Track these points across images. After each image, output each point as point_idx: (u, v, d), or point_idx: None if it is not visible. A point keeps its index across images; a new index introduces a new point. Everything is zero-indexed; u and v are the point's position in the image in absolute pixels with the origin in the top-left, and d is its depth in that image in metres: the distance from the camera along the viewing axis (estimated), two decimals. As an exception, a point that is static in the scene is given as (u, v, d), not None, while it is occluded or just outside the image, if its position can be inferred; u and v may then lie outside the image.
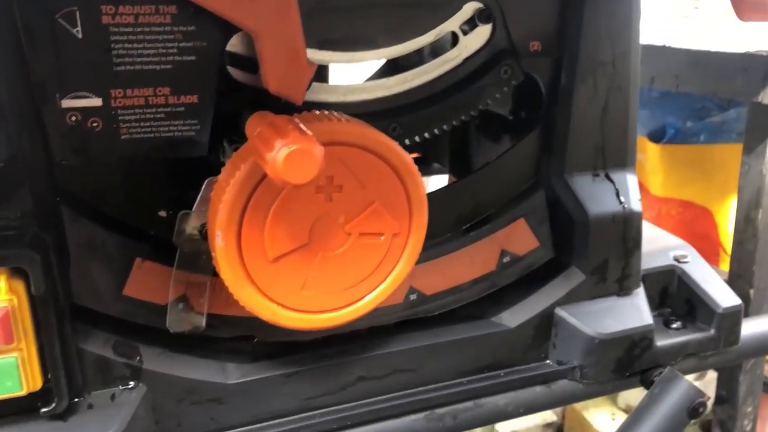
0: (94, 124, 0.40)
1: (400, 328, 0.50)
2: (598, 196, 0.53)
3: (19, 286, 0.36)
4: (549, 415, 1.52)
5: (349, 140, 0.37)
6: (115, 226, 0.43)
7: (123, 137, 0.41)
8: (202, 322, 0.45)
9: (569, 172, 0.52)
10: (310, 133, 0.33)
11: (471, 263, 0.52)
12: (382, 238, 0.40)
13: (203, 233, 0.44)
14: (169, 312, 0.44)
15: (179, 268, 0.44)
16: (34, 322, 0.37)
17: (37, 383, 0.37)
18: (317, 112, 0.38)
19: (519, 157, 0.53)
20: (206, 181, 0.43)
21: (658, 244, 0.61)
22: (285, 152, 0.31)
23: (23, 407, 0.38)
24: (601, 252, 0.53)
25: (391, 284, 0.41)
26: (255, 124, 0.36)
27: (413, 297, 0.50)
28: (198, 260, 0.45)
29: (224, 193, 0.36)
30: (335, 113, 0.38)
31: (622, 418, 1.56)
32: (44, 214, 0.39)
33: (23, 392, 0.37)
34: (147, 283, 0.43)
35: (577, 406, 1.41)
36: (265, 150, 0.32)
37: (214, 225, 0.36)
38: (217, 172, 0.40)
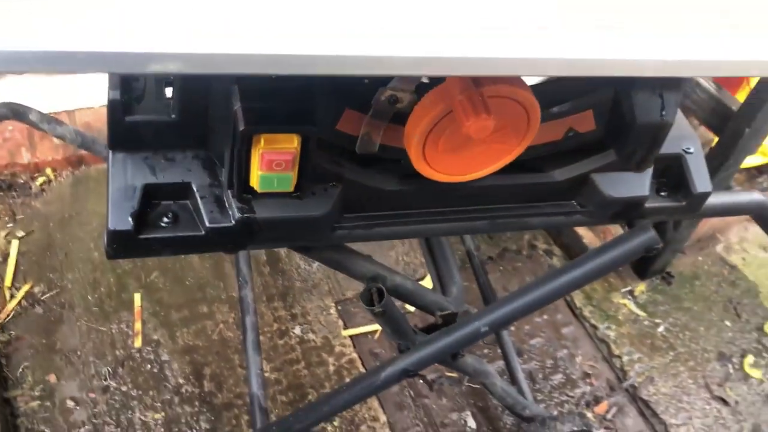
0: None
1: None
2: (647, 108, 0.76)
3: (298, 139, 0.62)
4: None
5: (508, 95, 0.59)
6: (335, 88, 0.66)
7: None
8: (376, 148, 0.73)
9: (635, 89, 0.74)
10: (490, 112, 0.56)
11: (545, 133, 0.77)
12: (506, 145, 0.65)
13: (389, 101, 0.69)
14: (359, 141, 0.71)
15: (371, 117, 0.70)
16: (300, 157, 0.64)
17: (293, 185, 0.67)
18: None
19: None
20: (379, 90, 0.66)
21: (678, 133, 0.85)
22: (476, 126, 0.55)
23: (285, 195, 0.68)
24: (634, 144, 0.78)
25: (503, 163, 0.68)
26: (454, 88, 0.58)
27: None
28: (382, 113, 0.70)
29: (423, 119, 0.60)
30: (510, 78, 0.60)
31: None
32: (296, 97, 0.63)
33: (291, 189, 0.66)
34: (350, 123, 0.69)
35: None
36: (465, 119, 0.56)
37: (416, 130, 0.61)
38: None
